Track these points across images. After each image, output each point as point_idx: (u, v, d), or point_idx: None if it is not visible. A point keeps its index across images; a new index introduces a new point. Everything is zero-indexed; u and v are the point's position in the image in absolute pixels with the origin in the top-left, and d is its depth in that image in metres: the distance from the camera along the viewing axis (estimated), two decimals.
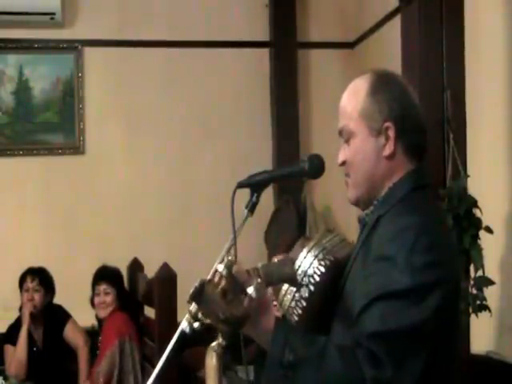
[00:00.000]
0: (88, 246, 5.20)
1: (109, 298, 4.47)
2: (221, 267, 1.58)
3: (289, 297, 1.79)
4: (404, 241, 1.65)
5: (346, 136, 1.85)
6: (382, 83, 1.83)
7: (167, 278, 3.89)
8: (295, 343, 1.63)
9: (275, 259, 1.91)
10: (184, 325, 1.60)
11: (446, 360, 1.68)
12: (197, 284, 1.58)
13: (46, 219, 5.19)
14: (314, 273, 1.77)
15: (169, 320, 3.70)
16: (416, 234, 1.65)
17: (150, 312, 4.40)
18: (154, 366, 1.79)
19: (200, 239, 5.28)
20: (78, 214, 5.28)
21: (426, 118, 1.85)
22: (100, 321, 4.54)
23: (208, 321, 1.62)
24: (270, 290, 1.87)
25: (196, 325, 1.60)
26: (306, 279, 1.77)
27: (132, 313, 4.52)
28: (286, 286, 1.81)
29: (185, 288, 1.75)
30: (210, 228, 5.21)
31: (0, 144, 5.21)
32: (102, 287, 4.49)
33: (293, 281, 1.78)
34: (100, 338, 4.45)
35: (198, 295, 1.56)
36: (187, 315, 1.63)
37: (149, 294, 4.25)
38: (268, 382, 1.66)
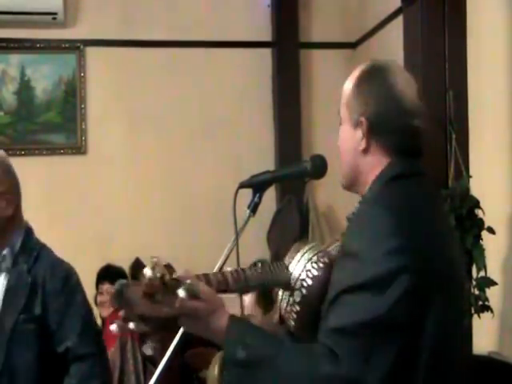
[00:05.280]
0: (90, 245, 5.20)
1: None
2: (146, 269, 1.57)
3: (284, 302, 1.79)
4: (365, 232, 1.64)
5: (339, 121, 1.87)
6: (367, 76, 1.82)
7: None
8: (249, 341, 1.60)
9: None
10: (113, 327, 1.59)
11: (427, 354, 1.60)
12: (116, 286, 1.57)
13: (48, 219, 5.19)
14: (307, 276, 1.76)
15: None
16: (376, 224, 1.63)
17: None
18: (156, 366, 1.79)
19: (202, 239, 5.28)
20: (79, 213, 5.28)
21: (415, 115, 1.78)
22: (103, 320, 4.56)
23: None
24: (249, 297, 1.86)
25: (131, 325, 1.58)
26: (298, 283, 1.76)
27: None
28: (281, 292, 1.80)
29: None
30: (212, 228, 5.20)
31: (2, 144, 5.20)
32: (105, 286, 4.52)
33: (286, 286, 1.78)
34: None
35: (118, 297, 1.56)
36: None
37: None
38: (227, 380, 1.63)
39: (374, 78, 1.81)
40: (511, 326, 3.58)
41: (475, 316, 3.40)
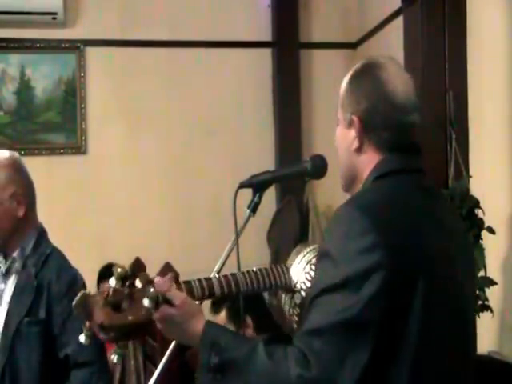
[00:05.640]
0: (90, 245, 5.20)
1: None
2: (111, 280, 1.58)
3: (287, 305, 1.79)
4: (337, 231, 1.62)
5: (337, 122, 1.86)
6: (359, 74, 1.81)
7: None
8: (223, 346, 1.61)
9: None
10: (82, 338, 1.60)
11: (410, 351, 1.58)
12: (78, 297, 1.58)
13: (47, 219, 5.18)
14: (306, 278, 1.76)
15: None
16: (348, 222, 1.60)
17: None
18: (156, 366, 1.80)
19: (202, 239, 5.28)
20: (79, 213, 5.28)
21: (409, 111, 1.75)
22: None
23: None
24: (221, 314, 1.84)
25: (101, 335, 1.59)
26: (299, 285, 1.76)
27: None
28: (284, 295, 1.80)
29: None
30: (212, 228, 5.21)
31: (1, 144, 5.20)
32: (106, 285, 4.51)
33: (287, 288, 1.78)
34: None
35: (80, 307, 1.56)
36: (84, 328, 1.62)
37: None
38: None
39: (365, 75, 1.79)
40: (511, 325, 3.58)
41: (475, 316, 3.41)
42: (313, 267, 1.76)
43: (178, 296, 1.66)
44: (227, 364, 1.59)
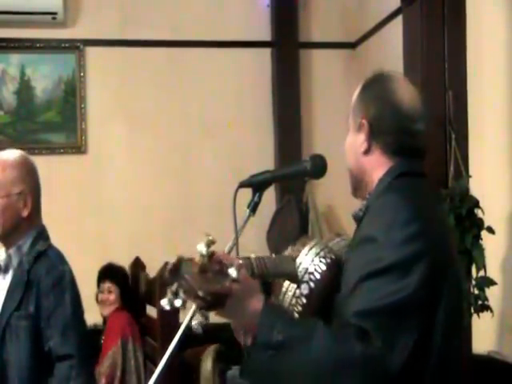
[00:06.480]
0: (90, 245, 5.21)
1: (112, 296, 4.52)
2: (201, 246, 1.59)
3: (290, 294, 1.80)
4: (383, 218, 1.69)
5: (348, 127, 1.94)
6: (370, 82, 1.91)
7: None
8: (284, 324, 1.62)
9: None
10: (164, 302, 1.59)
11: (438, 340, 1.65)
12: (175, 260, 1.57)
13: (48, 219, 5.19)
14: (315, 270, 1.77)
15: (171, 319, 3.71)
16: (394, 210, 1.69)
17: (151, 311, 4.42)
18: (156, 365, 1.80)
19: (202, 239, 5.28)
20: (79, 213, 5.28)
21: (415, 119, 1.84)
22: (104, 318, 4.58)
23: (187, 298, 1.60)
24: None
25: (178, 302, 1.58)
26: (306, 276, 1.78)
27: (135, 313, 4.55)
28: (287, 283, 1.81)
29: None
30: (211, 227, 5.15)
31: (2, 143, 5.20)
32: (106, 285, 4.55)
33: (293, 277, 1.79)
34: (103, 337, 4.47)
35: (175, 271, 1.56)
36: (168, 293, 1.61)
37: (150, 293, 4.27)
38: (254, 366, 1.63)
39: (376, 84, 1.90)
40: (511, 325, 3.59)
41: (475, 316, 3.41)
42: (322, 260, 1.78)
43: (242, 271, 1.66)
44: (289, 341, 1.60)
